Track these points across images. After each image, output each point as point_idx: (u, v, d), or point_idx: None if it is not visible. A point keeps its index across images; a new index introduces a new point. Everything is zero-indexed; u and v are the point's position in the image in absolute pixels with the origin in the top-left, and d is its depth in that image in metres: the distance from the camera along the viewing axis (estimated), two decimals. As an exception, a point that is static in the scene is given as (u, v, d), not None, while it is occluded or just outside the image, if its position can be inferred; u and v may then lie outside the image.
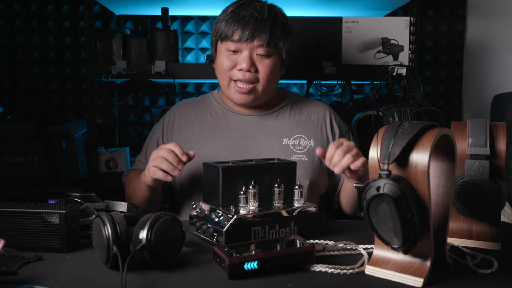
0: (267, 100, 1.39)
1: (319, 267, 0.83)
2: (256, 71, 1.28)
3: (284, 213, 1.00)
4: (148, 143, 1.43)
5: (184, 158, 1.12)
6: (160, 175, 1.12)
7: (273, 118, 1.38)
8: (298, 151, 1.33)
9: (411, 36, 1.89)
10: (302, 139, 1.35)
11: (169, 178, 1.13)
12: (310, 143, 1.35)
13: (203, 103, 1.44)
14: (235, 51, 1.28)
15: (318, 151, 1.13)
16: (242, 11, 1.27)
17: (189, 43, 2.37)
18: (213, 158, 1.29)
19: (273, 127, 1.37)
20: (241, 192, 0.97)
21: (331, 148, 1.10)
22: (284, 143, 1.34)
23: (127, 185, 1.39)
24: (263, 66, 1.28)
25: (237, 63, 1.28)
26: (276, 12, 1.31)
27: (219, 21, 1.31)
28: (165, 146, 1.13)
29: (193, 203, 1.06)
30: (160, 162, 1.12)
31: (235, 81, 1.29)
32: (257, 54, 1.28)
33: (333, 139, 1.38)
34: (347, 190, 1.32)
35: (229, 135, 1.35)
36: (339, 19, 1.89)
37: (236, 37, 1.26)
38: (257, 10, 1.27)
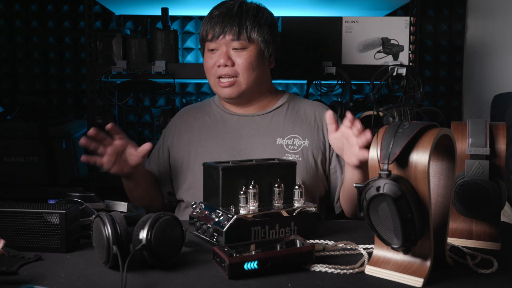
0: (262, 98, 1.41)
1: (319, 267, 0.83)
2: (234, 64, 1.31)
3: (284, 213, 1.00)
4: (153, 151, 1.48)
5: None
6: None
7: (268, 118, 1.39)
8: (291, 151, 1.34)
9: (411, 36, 1.89)
10: (296, 139, 1.35)
11: (103, 161, 1.21)
12: (304, 143, 1.35)
13: (203, 107, 1.47)
14: (213, 50, 1.33)
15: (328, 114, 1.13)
16: (214, 11, 1.33)
17: (189, 43, 2.37)
18: (208, 158, 1.31)
19: (268, 127, 1.38)
20: (241, 192, 0.97)
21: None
22: (277, 143, 1.35)
23: None
24: (241, 59, 1.31)
25: (216, 61, 1.32)
26: (248, 6, 1.34)
27: (201, 26, 1.37)
28: None
29: (193, 203, 1.06)
30: None
31: (218, 78, 1.33)
32: (233, 49, 1.31)
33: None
34: (347, 192, 1.30)
35: (225, 135, 1.37)
36: (339, 19, 1.89)
37: (209, 36, 1.32)
38: (227, 7, 1.32)
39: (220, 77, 1.32)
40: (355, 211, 1.35)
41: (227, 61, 1.30)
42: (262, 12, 1.35)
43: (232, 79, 1.31)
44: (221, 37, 1.30)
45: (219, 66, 1.31)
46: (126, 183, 1.32)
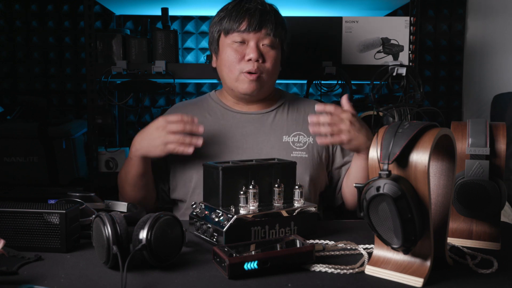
0: (266, 97, 1.41)
1: (319, 267, 0.83)
2: (264, 61, 1.30)
3: (284, 213, 1.00)
4: None
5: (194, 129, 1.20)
6: (179, 149, 1.20)
7: (271, 116, 1.39)
8: (298, 148, 1.34)
9: (411, 36, 1.89)
10: (302, 136, 1.36)
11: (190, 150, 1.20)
12: (309, 139, 1.36)
13: (200, 103, 1.45)
14: (241, 42, 1.30)
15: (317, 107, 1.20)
16: (246, 4, 1.30)
17: (189, 43, 2.37)
18: (214, 157, 1.30)
19: (272, 125, 1.38)
20: (241, 192, 0.97)
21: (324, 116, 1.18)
22: (284, 140, 1.35)
23: (118, 177, 1.37)
24: (270, 57, 1.31)
25: (245, 54, 1.29)
26: (275, 9, 1.35)
27: (221, 18, 1.33)
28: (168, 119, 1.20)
29: (193, 203, 1.06)
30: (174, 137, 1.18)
31: (245, 72, 1.30)
32: (263, 45, 1.30)
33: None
34: (351, 180, 1.33)
35: (229, 134, 1.35)
36: (339, 19, 1.89)
37: (243, 27, 1.28)
38: (260, 3, 1.31)
39: (248, 72, 1.29)
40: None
41: (259, 56, 1.28)
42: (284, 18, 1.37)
43: (257, 74, 1.30)
44: (256, 30, 1.27)
45: (249, 60, 1.28)
46: (141, 166, 1.26)
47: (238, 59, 1.29)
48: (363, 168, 1.28)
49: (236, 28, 1.28)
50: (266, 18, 1.28)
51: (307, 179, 1.31)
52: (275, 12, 1.33)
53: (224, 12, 1.33)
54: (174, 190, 1.37)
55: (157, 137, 1.20)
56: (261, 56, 1.29)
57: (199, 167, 1.30)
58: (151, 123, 1.23)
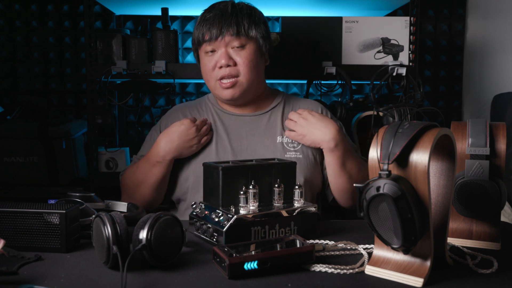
0: (259, 98, 1.40)
1: (319, 267, 0.83)
2: (235, 64, 1.31)
3: (284, 213, 1.00)
4: (145, 146, 1.45)
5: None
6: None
7: (266, 118, 1.40)
8: (292, 149, 1.35)
9: (411, 36, 1.89)
10: None
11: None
12: None
13: (199, 105, 1.46)
14: (212, 51, 1.32)
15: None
16: (207, 14, 1.32)
17: (189, 43, 2.37)
18: (209, 158, 1.31)
19: (266, 126, 1.38)
20: (241, 192, 0.97)
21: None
22: (278, 142, 1.36)
23: (130, 178, 1.38)
24: (241, 58, 1.31)
25: (217, 62, 1.31)
26: (241, 6, 1.34)
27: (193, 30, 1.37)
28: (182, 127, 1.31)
29: (193, 203, 1.07)
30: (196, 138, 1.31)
31: (219, 80, 1.32)
32: (232, 48, 1.31)
33: None
34: (330, 174, 1.34)
35: (224, 135, 1.37)
36: (339, 19, 1.89)
37: (206, 37, 1.30)
38: (220, 9, 1.32)
39: (221, 78, 1.31)
40: (347, 198, 1.36)
41: (228, 61, 1.29)
42: (254, 11, 1.36)
43: (233, 79, 1.30)
44: (219, 37, 1.29)
45: (220, 67, 1.30)
46: (167, 168, 1.32)
47: (212, 67, 1.32)
48: (329, 163, 1.31)
49: (202, 40, 1.32)
50: (226, 23, 1.29)
51: (302, 180, 1.31)
52: (239, 12, 1.31)
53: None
54: (171, 192, 1.38)
55: (193, 137, 1.31)
56: (230, 59, 1.29)
57: (195, 168, 1.32)
58: (177, 126, 1.32)
